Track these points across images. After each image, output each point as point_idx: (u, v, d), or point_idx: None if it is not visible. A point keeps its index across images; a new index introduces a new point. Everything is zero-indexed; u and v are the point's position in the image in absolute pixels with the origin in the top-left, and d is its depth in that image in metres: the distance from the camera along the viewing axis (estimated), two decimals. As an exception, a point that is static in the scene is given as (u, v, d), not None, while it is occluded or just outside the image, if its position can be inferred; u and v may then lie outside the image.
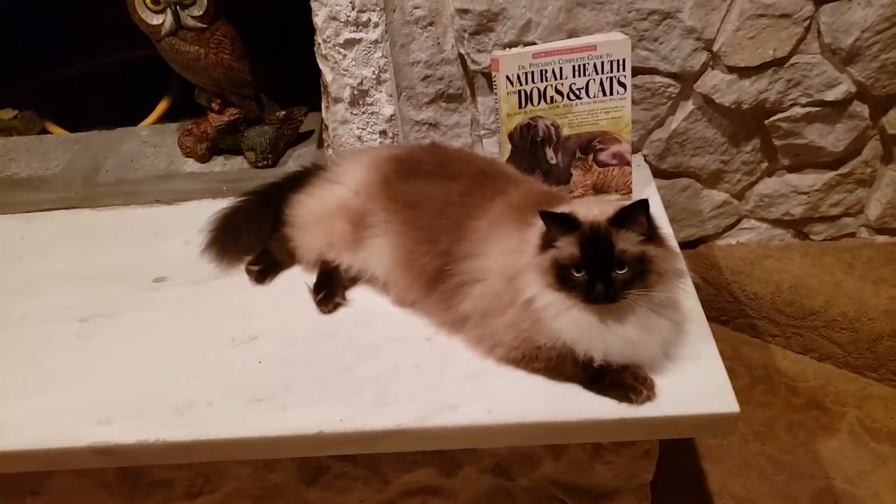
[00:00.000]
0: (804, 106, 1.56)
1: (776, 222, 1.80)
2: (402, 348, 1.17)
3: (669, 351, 1.08)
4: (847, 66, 1.51)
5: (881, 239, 1.79)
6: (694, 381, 1.06)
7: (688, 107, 1.60)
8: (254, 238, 1.40)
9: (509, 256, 1.09)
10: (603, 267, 0.98)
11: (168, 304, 1.34)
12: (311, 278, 1.32)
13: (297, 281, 1.33)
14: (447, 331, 1.18)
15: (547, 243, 1.03)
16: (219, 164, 1.74)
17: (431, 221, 1.19)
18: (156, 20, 1.51)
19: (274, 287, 1.35)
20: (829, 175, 1.69)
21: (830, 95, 1.54)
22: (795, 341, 1.78)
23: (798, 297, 1.73)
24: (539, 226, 1.05)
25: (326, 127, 1.60)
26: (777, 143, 1.64)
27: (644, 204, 0.99)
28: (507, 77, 1.38)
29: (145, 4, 1.49)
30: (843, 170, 1.68)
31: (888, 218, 1.74)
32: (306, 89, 1.69)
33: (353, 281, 1.31)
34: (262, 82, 1.70)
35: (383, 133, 1.56)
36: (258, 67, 1.65)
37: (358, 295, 1.30)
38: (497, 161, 1.43)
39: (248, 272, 1.37)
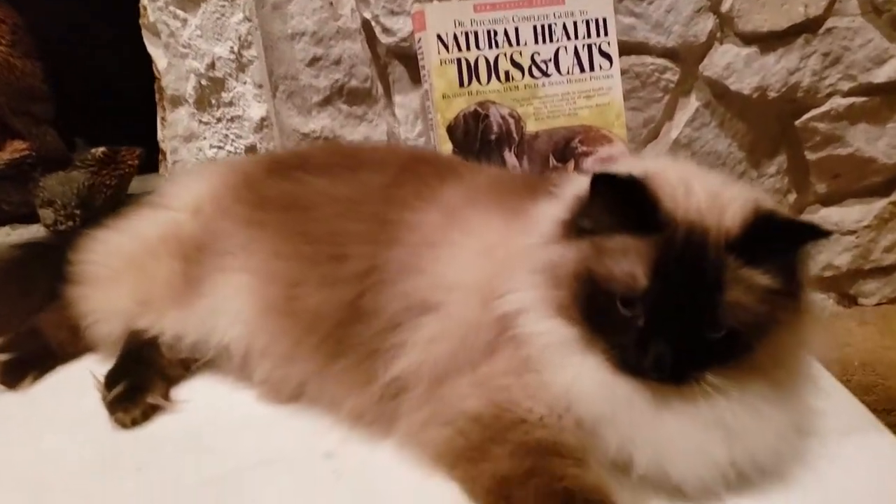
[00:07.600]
0: (846, 95, 1.14)
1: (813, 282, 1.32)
2: (283, 478, 0.66)
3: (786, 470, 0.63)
4: (899, 32, 1.13)
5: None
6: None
7: (691, 104, 1.15)
8: (12, 311, 0.92)
9: (490, 258, 0.68)
10: (686, 319, 0.58)
11: None
12: (105, 368, 0.82)
13: (80, 377, 0.82)
14: (366, 428, 0.70)
15: (575, 230, 0.62)
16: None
17: (331, 228, 0.77)
18: None
19: (41, 391, 0.84)
20: (880, 204, 1.25)
21: (880, 76, 1.13)
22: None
23: (881, 380, 1.20)
24: (555, 206, 0.65)
25: (163, 149, 1.03)
26: (811, 157, 1.20)
27: (810, 229, 0.59)
28: (440, 37, 0.91)
29: None
30: (900, 195, 1.26)
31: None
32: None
33: (185, 366, 0.84)
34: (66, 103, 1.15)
35: (252, 149, 1.01)
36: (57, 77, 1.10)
37: (194, 389, 0.80)
38: (434, 149, 0.93)
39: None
